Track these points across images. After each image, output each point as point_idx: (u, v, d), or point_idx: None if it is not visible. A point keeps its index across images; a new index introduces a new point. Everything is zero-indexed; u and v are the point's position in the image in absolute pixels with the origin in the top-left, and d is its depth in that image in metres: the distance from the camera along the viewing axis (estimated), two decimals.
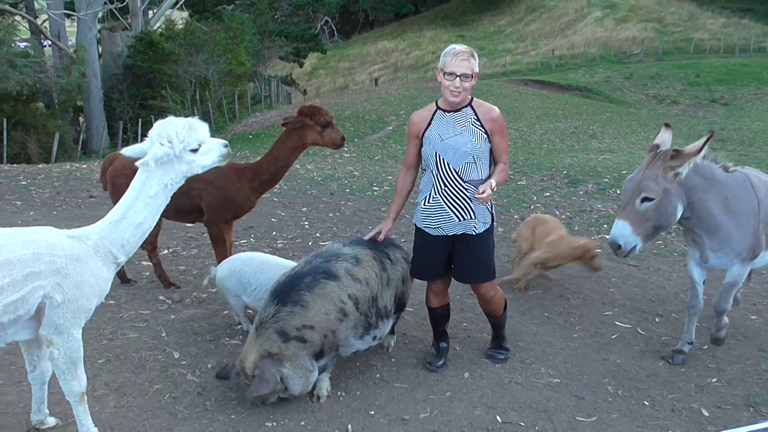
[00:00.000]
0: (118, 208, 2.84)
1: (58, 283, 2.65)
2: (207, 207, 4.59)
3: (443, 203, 3.51)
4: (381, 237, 3.71)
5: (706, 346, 4.15)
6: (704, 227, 3.70)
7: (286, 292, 3.30)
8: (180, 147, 2.80)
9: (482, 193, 3.25)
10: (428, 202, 3.57)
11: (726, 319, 4.17)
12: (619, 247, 3.52)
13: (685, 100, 31.33)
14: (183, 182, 2.92)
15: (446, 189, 3.50)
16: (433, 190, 3.54)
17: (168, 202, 2.92)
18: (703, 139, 3.43)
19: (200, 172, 2.92)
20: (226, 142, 2.95)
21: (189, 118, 2.87)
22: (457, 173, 3.47)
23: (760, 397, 3.56)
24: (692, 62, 36.08)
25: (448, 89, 3.39)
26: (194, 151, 2.85)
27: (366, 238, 3.72)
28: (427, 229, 3.61)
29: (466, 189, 3.49)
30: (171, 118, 2.86)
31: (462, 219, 3.52)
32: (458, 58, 3.35)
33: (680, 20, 43.19)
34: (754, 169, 4.08)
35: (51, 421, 3.13)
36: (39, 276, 2.60)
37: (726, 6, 46.18)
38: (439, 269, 3.69)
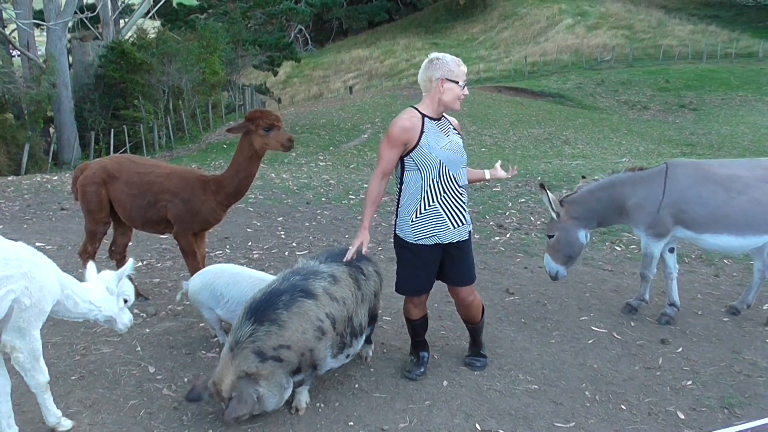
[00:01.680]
0: (81, 289, 3.13)
1: (26, 286, 2.71)
2: (173, 219, 4.54)
3: (441, 210, 3.47)
4: (364, 250, 3.56)
5: (681, 349, 4.21)
6: (615, 222, 4.80)
7: (263, 310, 3.22)
8: (127, 289, 3.25)
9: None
10: (421, 212, 3.48)
11: (646, 294, 4.78)
12: (548, 272, 4.71)
13: (656, 105, 31.88)
14: (108, 323, 3.24)
15: (445, 195, 3.47)
16: (428, 199, 3.46)
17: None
18: (552, 200, 4.49)
19: (112, 320, 3.22)
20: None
21: None
22: (455, 179, 3.48)
23: (734, 398, 3.61)
24: (662, 68, 36.76)
25: (459, 98, 3.42)
26: (125, 302, 3.27)
27: (347, 258, 3.53)
28: (421, 241, 3.52)
29: (461, 194, 3.53)
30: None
31: (456, 226, 3.52)
32: (462, 66, 3.42)
33: (649, 27, 44.04)
34: (716, 160, 4.81)
35: None
36: (10, 280, 2.66)
37: (693, 13, 47.23)
38: (431, 282, 3.68)
